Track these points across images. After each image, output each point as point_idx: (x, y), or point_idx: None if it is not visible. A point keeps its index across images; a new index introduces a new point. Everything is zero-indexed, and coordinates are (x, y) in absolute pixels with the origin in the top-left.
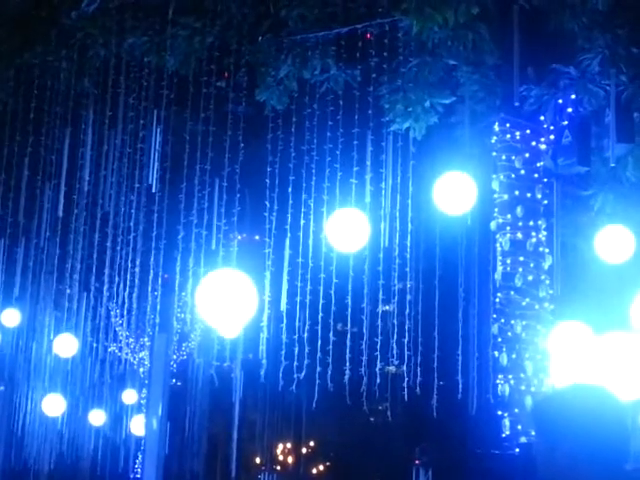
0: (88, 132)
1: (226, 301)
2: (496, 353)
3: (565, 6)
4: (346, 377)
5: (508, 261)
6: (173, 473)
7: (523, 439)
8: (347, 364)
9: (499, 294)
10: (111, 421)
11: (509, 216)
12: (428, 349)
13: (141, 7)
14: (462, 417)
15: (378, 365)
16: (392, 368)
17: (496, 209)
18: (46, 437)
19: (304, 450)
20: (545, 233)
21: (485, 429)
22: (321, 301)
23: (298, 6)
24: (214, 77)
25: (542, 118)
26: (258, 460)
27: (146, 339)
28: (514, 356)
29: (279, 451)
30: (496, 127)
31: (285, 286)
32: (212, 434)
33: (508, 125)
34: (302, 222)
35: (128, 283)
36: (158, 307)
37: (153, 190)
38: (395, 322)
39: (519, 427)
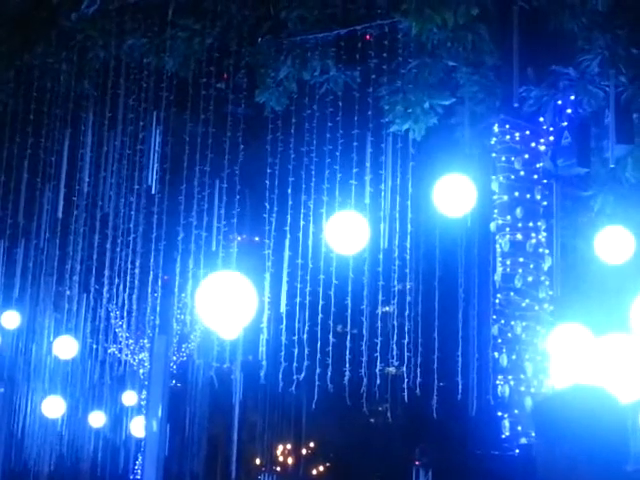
0: (88, 133)
1: (226, 303)
2: (496, 354)
3: (565, 7)
4: (346, 378)
5: (508, 262)
6: (173, 474)
7: (523, 440)
8: (347, 365)
9: (499, 295)
10: (111, 422)
11: (509, 217)
12: (428, 350)
13: (141, 9)
14: (462, 418)
15: (378, 366)
16: (392, 369)
17: (496, 210)
18: (46, 439)
19: (304, 451)
20: (545, 234)
21: (485, 430)
22: (321, 302)
23: (298, 7)
24: (214, 78)
25: (542, 119)
26: (258, 461)
27: (146, 340)
28: (514, 357)
29: (279, 452)
30: (496, 128)
31: (285, 287)
32: (212, 435)
33: (508, 126)
34: (302, 223)
35: (128, 284)
36: (158, 308)
37: (153, 191)
38: (395, 323)
39: (519, 428)
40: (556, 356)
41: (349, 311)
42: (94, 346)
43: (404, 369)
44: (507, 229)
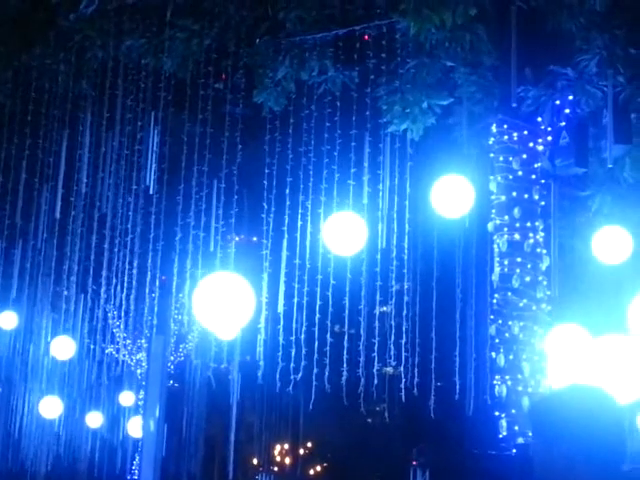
0: (86, 134)
1: (223, 304)
2: (493, 354)
3: (563, 7)
4: (343, 378)
5: (505, 262)
6: (170, 475)
7: (520, 440)
8: (344, 365)
9: (496, 295)
10: (108, 423)
11: (506, 217)
12: (425, 350)
13: (139, 9)
14: (459, 418)
15: (375, 366)
16: (390, 369)
17: (493, 210)
18: (43, 439)
19: (301, 451)
20: (542, 234)
21: (482, 430)
22: (318, 302)
23: (296, 8)
24: (212, 79)
25: (540, 119)
26: (255, 461)
27: (143, 341)
28: (511, 357)
29: (276, 452)
30: (494, 128)
31: (282, 288)
32: (209, 436)
33: (506, 126)
34: (300, 223)
35: (126, 285)
36: (155, 309)
37: (151, 192)
38: (393, 323)
39: (516, 428)
40: (554, 357)
41: (347, 311)
42: (92, 346)
43: (402, 369)
44: (505, 229)
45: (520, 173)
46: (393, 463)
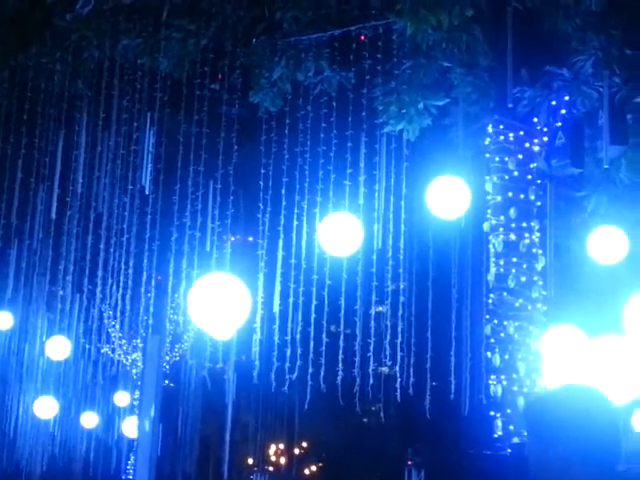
0: (82, 134)
1: (219, 305)
2: (489, 354)
3: (559, 8)
4: (339, 378)
5: (501, 262)
6: (165, 475)
7: (515, 440)
8: (340, 365)
9: (492, 295)
10: (103, 423)
11: (502, 217)
12: (421, 350)
13: (135, 9)
14: (455, 418)
15: (371, 366)
16: (385, 369)
17: (489, 210)
18: (38, 439)
19: (296, 451)
20: (538, 234)
21: (477, 430)
22: (314, 302)
23: (292, 8)
24: (208, 79)
25: (535, 120)
26: (250, 461)
27: (139, 341)
28: (507, 357)
29: (272, 452)
30: (490, 129)
31: (278, 288)
32: (204, 435)
33: (501, 127)
34: (295, 224)
35: (121, 285)
36: (151, 309)
37: (146, 192)
38: (388, 323)
39: (511, 428)
40: (549, 357)
41: (342, 311)
42: (87, 346)
43: (397, 369)
44: (501, 229)
45: (516, 173)
46: (389, 463)
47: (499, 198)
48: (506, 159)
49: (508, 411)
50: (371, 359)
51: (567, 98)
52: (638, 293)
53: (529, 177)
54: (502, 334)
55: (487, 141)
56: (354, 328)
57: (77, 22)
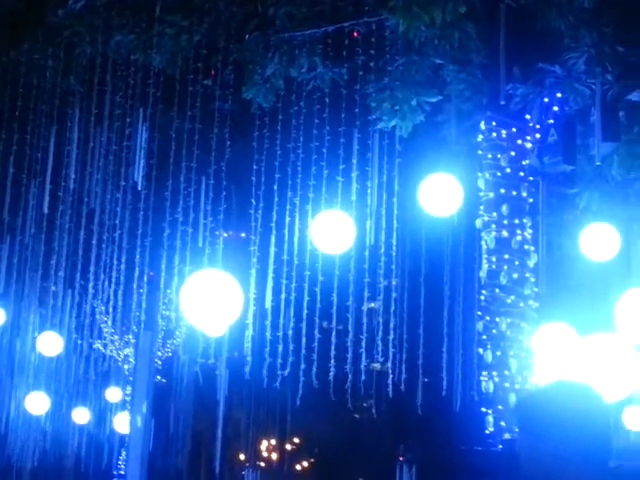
0: (74, 130)
1: (211, 302)
2: (481, 350)
3: (552, 5)
4: (331, 374)
5: (493, 259)
6: (157, 470)
7: (507, 436)
8: (332, 361)
9: (484, 292)
10: (95, 418)
11: (495, 214)
12: (413, 346)
13: (128, 5)
14: (446, 414)
15: (363, 362)
16: (377, 365)
17: (482, 207)
18: (29, 435)
19: (288, 447)
20: (530, 231)
21: (469, 426)
22: (306, 298)
23: (286, 4)
24: (201, 75)
25: (528, 117)
26: (242, 457)
27: (131, 336)
28: (498, 353)
29: (263, 448)
30: (482, 125)
31: (270, 284)
32: (196, 431)
33: (494, 123)
34: (288, 220)
35: (113, 280)
36: (143, 304)
37: (139, 188)
38: (380, 320)
39: (503, 424)
40: (541, 356)
41: (334, 307)
42: (79, 342)
43: (389, 365)
44: (493, 226)
45: (508, 170)
46: (380, 459)
47: (491, 195)
48: (498, 156)
49: (500, 407)
50: (363, 355)
51: (559, 95)
52: (630, 291)
53: (521, 174)
54: (494, 331)
55: (479, 138)
56: (346, 324)
57: (69, 18)
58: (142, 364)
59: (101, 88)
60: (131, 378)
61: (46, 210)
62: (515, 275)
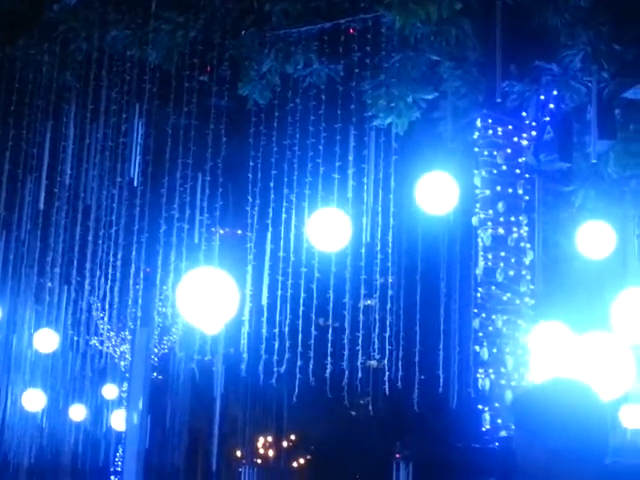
0: (70, 125)
1: (207, 299)
2: (477, 347)
3: (548, 3)
4: (328, 371)
5: (489, 256)
6: (154, 467)
7: (503, 433)
8: (329, 358)
9: (480, 289)
10: (92, 415)
11: (491, 211)
12: (409, 343)
13: (124, 0)
14: (443, 411)
15: (360, 359)
16: (374, 362)
17: (478, 204)
18: (26, 431)
19: (285, 444)
20: (526, 229)
21: (466, 423)
22: (302, 295)
23: (281, 1)
24: (197, 71)
25: (524, 114)
26: (239, 454)
27: (127, 333)
28: (495, 350)
29: (260, 445)
30: (478, 123)
31: (267, 280)
32: (193, 428)
33: (490, 121)
34: (284, 216)
35: (109, 277)
36: (139, 301)
37: (135, 184)
38: (377, 317)
39: (499, 421)
40: (537, 354)
41: (331, 305)
42: (75, 338)
43: (386, 362)
44: (489, 223)
45: (504, 168)
46: (377, 456)
47: (488, 192)
48: (495, 153)
49: (496, 405)
50: (360, 352)
51: (556, 93)
52: (626, 290)
53: (517, 171)
54: (490, 328)
55: (476, 135)
56: (343, 321)
57: (65, 13)
58: (138, 361)
59: (97, 84)
60: (127, 375)
61: (42, 206)
62: (511, 272)
